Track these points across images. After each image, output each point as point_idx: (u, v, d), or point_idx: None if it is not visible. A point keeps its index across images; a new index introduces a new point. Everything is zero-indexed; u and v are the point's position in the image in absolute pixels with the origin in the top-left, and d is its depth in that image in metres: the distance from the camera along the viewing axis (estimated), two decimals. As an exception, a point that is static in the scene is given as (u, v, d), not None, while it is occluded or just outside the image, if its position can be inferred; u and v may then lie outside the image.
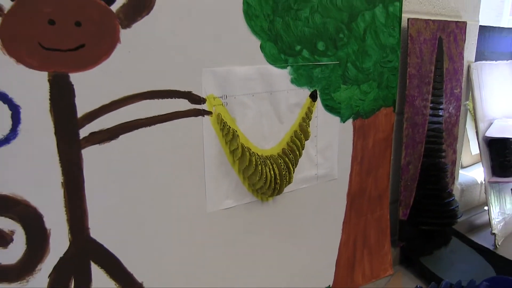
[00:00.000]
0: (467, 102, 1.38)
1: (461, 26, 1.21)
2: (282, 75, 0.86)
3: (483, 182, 1.40)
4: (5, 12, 0.58)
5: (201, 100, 0.77)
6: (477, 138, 1.34)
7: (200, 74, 0.75)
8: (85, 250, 0.70)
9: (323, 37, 0.91)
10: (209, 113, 0.78)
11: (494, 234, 1.34)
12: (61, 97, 0.64)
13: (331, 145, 0.99)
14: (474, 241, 1.33)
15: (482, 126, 1.35)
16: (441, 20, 1.15)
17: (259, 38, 0.81)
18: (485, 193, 1.34)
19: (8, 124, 0.61)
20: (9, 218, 0.64)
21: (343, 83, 0.97)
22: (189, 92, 0.75)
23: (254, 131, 0.85)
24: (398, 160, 1.18)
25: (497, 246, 1.35)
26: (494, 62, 1.43)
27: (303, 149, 0.91)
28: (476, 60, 1.36)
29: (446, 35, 1.17)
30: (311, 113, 0.92)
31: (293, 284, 1.00)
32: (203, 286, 0.85)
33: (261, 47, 0.82)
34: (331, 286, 1.07)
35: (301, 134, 0.90)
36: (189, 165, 0.78)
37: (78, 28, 0.63)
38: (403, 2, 1.04)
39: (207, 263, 0.84)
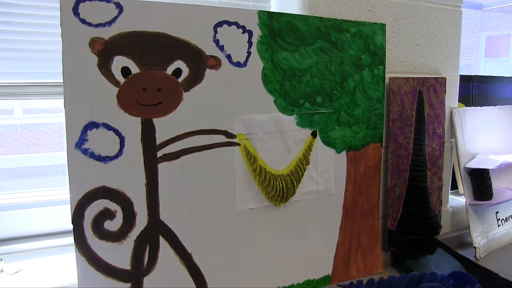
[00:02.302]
0: (452, 139, 1.72)
1: (440, 81, 1.58)
2: (290, 120, 1.27)
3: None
4: (121, 85, 1.03)
5: (233, 136, 1.19)
6: (459, 169, 1.67)
7: (232, 119, 1.18)
8: (156, 227, 1.12)
9: (321, 93, 1.31)
10: (238, 144, 1.20)
11: (475, 247, 1.65)
12: (147, 133, 1.08)
13: (329, 169, 1.37)
14: (457, 252, 1.64)
15: (464, 159, 1.68)
16: (420, 77, 1.53)
17: (273, 96, 1.23)
18: (466, 214, 1.66)
19: (117, 147, 1.06)
20: (115, 203, 1.07)
21: (338, 125, 1.36)
22: (225, 131, 1.18)
23: (269, 158, 1.25)
24: (386, 183, 1.54)
25: (478, 258, 1.64)
26: (479, 107, 1.77)
27: (305, 171, 1.31)
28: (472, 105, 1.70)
29: (426, 88, 1.53)
30: (312, 146, 1.32)
31: (299, 271, 1.37)
32: (231, 259, 1.25)
33: (275, 102, 1.24)
34: (329, 275, 1.44)
35: (304, 161, 1.30)
36: (225, 178, 1.20)
37: (159, 92, 1.07)
38: (386, 65, 1.43)
39: (235, 246, 1.24)
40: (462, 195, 1.93)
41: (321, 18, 1.28)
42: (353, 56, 1.36)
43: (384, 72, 1.42)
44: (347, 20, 1.33)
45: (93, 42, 0.99)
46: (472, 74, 1.96)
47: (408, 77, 1.49)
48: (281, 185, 1.26)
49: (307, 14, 1.31)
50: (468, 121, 1.71)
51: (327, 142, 1.35)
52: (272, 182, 1.24)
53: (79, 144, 1.01)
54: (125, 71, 1.03)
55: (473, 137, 1.72)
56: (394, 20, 1.49)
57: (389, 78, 1.47)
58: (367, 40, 1.38)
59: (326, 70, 1.31)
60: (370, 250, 1.50)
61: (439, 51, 1.60)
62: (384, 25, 1.40)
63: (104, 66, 1.01)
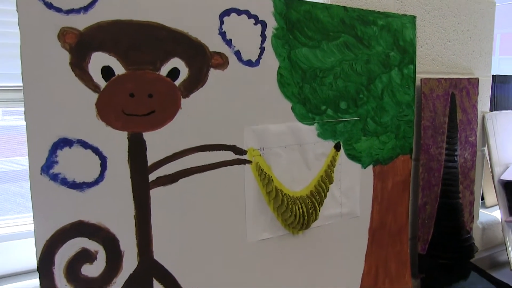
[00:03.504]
0: (484, 148, 1.51)
1: (473, 82, 1.37)
2: (309, 130, 1.04)
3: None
4: (101, 89, 0.79)
5: (243, 152, 0.96)
6: (493, 181, 1.47)
7: (242, 131, 0.95)
8: (149, 269, 0.89)
9: (345, 98, 1.09)
10: (249, 162, 0.97)
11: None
12: (136, 150, 0.84)
13: (353, 187, 1.15)
14: (493, 276, 1.44)
15: (498, 170, 1.48)
16: (453, 78, 1.31)
17: (291, 102, 1.01)
18: (502, 232, 1.45)
19: (97, 170, 0.82)
20: (95, 241, 0.84)
21: (364, 135, 1.14)
22: (234, 146, 0.94)
23: (286, 176, 1.03)
24: (417, 200, 1.32)
25: (516, 282, 1.44)
26: (510, 111, 1.56)
27: (328, 191, 1.08)
28: (494, 107, 1.50)
29: (459, 91, 1.32)
30: (335, 161, 1.10)
31: (320, 308, 1.15)
32: (242, 304, 1.02)
33: (292, 108, 1.01)
34: (354, 312, 1.22)
35: (326, 179, 1.08)
36: (233, 203, 0.97)
37: (150, 98, 0.84)
38: (416, 64, 1.22)
39: (246, 286, 1.01)
40: (489, 207, 1.72)
41: (345, 8, 1.06)
42: (381, 54, 1.14)
43: (414, 73, 1.21)
44: (374, 11, 1.12)
45: (64, 34, 0.75)
46: (493, 74, 1.76)
47: (440, 78, 1.28)
48: (301, 210, 1.03)
49: (330, 3, 1.09)
50: (501, 126, 1.51)
51: (352, 156, 1.13)
52: (290, 206, 1.01)
53: (47, 168, 0.78)
54: (107, 71, 0.79)
55: (507, 144, 1.52)
56: (425, 12, 1.28)
57: (421, 79, 1.26)
58: (396, 35, 1.16)
59: (351, 70, 1.09)
60: (398, 278, 1.29)
61: (472, 47, 1.40)
62: (414, 17, 1.19)
63: (79, 66, 0.77)
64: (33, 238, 0.78)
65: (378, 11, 1.13)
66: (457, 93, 1.32)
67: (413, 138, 1.24)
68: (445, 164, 1.32)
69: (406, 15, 1.17)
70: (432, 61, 1.32)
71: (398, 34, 1.17)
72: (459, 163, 1.35)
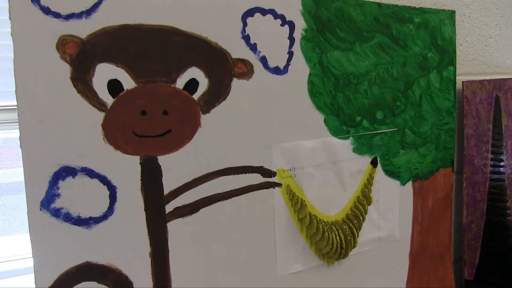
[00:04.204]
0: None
1: (516, 84, 1.24)
2: (344, 146, 0.92)
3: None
4: (108, 107, 0.67)
5: (272, 174, 0.83)
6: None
7: (270, 150, 0.82)
8: (169, 315, 0.76)
9: (381, 106, 0.96)
10: (279, 185, 0.84)
11: None
12: (151, 178, 0.72)
13: (392, 207, 1.02)
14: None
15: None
16: (497, 79, 1.18)
17: (323, 113, 0.88)
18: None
19: (106, 202, 0.70)
20: (105, 285, 0.71)
21: (402, 148, 1.02)
22: (261, 167, 0.82)
23: (320, 199, 0.90)
24: (459, 219, 1.19)
25: None
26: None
27: (366, 213, 0.95)
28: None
29: (503, 93, 1.19)
30: (373, 179, 0.97)
31: None
32: None
33: (325, 121, 0.88)
34: None
35: (364, 200, 0.95)
36: (261, 232, 0.84)
37: (165, 116, 0.71)
38: (456, 65, 1.09)
39: (278, 326, 0.89)
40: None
41: (379, 4, 0.94)
42: (418, 55, 1.02)
43: (454, 75, 1.08)
44: (409, 7, 0.99)
45: (63, 43, 0.63)
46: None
47: (483, 80, 1.15)
48: (338, 237, 0.90)
49: (361, -1, 0.96)
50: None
51: (390, 172, 1.00)
52: (326, 234, 0.88)
53: (47, 202, 0.65)
54: (114, 86, 0.67)
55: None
56: (464, 5, 1.15)
57: (462, 82, 1.13)
58: (434, 33, 1.04)
59: (387, 74, 0.96)
60: (441, 307, 1.15)
61: (514, 44, 1.27)
62: (453, 12, 1.07)
63: (81, 80, 0.65)
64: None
65: (414, 7, 1.00)
66: (502, 96, 1.19)
67: (454, 148, 1.12)
68: (491, 176, 1.19)
69: (444, 10, 1.05)
70: (473, 61, 1.19)
71: (436, 32, 1.04)
72: (506, 174, 1.22)
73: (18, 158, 0.69)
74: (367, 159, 0.96)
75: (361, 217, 0.94)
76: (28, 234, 0.64)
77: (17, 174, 1.03)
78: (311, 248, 0.90)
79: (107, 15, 0.65)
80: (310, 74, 0.85)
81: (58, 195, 0.66)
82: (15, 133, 0.63)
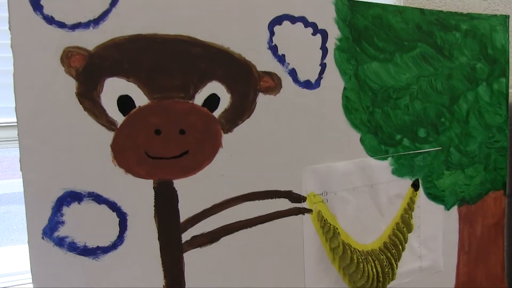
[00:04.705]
0: None
1: None
2: (382, 167, 0.83)
3: None
4: (118, 126, 0.60)
5: (302, 199, 0.75)
6: None
7: (300, 172, 0.74)
8: None
9: (424, 123, 0.87)
10: (309, 211, 0.76)
11: None
12: (165, 204, 0.65)
13: (435, 235, 0.92)
14: None
15: None
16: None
17: (359, 131, 0.79)
18: None
19: (116, 231, 0.63)
20: (115, 321, 0.64)
21: (446, 169, 0.91)
22: (290, 192, 0.74)
23: (355, 226, 0.81)
24: None
25: None
26: None
27: (406, 242, 0.85)
28: None
29: (558, 108, 1.07)
30: (414, 204, 0.87)
31: None
32: None
33: (361, 140, 0.80)
34: None
35: (403, 227, 0.85)
36: (289, 263, 0.76)
37: (182, 136, 0.64)
38: (509, 76, 0.98)
39: None
40: None
41: (421, 11, 0.85)
42: (465, 66, 0.91)
43: (507, 87, 0.97)
44: (456, 13, 0.90)
45: (69, 56, 0.57)
46: None
47: (538, 93, 1.03)
48: (374, 269, 0.80)
49: (402, 5, 0.87)
50: None
51: (433, 196, 0.90)
52: (361, 265, 0.79)
53: (50, 230, 0.59)
54: (125, 103, 0.60)
55: None
56: (516, 10, 1.04)
57: (515, 96, 1.02)
58: (483, 41, 0.93)
59: (430, 88, 0.87)
60: None
61: None
62: (506, 17, 0.96)
63: (89, 96, 0.58)
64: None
65: (461, 13, 0.90)
66: (556, 111, 1.07)
67: (506, 169, 1.00)
68: (545, 199, 1.07)
69: (495, 15, 0.94)
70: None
71: (486, 40, 0.94)
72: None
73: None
74: (407, 182, 0.87)
75: (400, 246, 0.84)
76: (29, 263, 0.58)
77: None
78: (344, 281, 0.81)
79: (117, 24, 0.59)
80: (344, 88, 0.77)
81: (62, 222, 0.59)
82: (16, 152, 0.57)
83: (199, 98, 0.64)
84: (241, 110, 0.68)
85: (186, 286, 0.67)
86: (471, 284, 0.99)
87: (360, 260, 0.79)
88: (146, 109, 0.61)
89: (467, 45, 0.92)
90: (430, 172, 0.89)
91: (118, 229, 0.63)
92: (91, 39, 0.58)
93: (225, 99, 0.66)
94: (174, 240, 0.66)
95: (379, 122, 0.81)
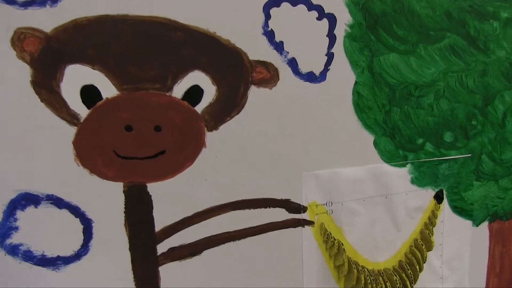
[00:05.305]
0: None
1: None
2: (400, 175, 0.72)
3: None
4: (81, 121, 0.52)
5: (302, 209, 0.65)
6: None
7: (300, 179, 0.64)
8: None
9: (451, 126, 0.75)
10: (310, 223, 0.66)
11: None
12: (138, 210, 0.57)
13: (461, 254, 0.81)
14: None
15: None
16: None
17: (372, 133, 0.69)
18: None
19: (79, 239, 0.55)
20: None
21: (476, 180, 0.80)
22: (287, 200, 0.64)
23: (365, 242, 0.71)
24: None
25: None
26: None
27: (424, 262, 0.74)
28: None
29: None
30: (436, 218, 0.76)
31: None
32: None
33: (375, 143, 0.69)
34: None
35: (422, 245, 0.74)
36: (285, 283, 0.66)
37: (157, 133, 0.55)
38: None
39: None
40: None
41: (452, -5, 0.73)
42: (503, 61, 0.79)
43: (552, 87, 0.84)
44: (494, -1, 0.77)
45: (21, 39, 0.49)
46: None
47: None
48: (385, 292, 0.70)
49: (429, -11, 0.76)
50: None
51: (460, 210, 0.79)
52: (369, 286, 0.68)
53: (1, 236, 0.52)
54: (90, 93, 0.52)
55: None
56: None
57: (562, 98, 0.89)
58: (526, 33, 0.81)
59: (460, 85, 0.75)
60: None
61: None
62: (554, 6, 0.83)
63: (46, 85, 0.50)
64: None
65: (501, -1, 0.78)
66: None
67: (548, 181, 0.87)
68: None
69: (541, 4, 0.81)
70: None
71: (529, 32, 0.81)
72: None
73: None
74: (429, 193, 0.75)
75: (417, 266, 0.74)
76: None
77: None
78: (351, 304, 0.71)
79: (80, 2, 0.50)
80: (356, 82, 0.66)
81: (16, 228, 0.52)
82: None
83: (179, 90, 0.56)
84: (229, 105, 0.59)
85: (162, 305, 0.59)
86: (501, 311, 0.87)
87: (369, 280, 0.69)
88: (114, 102, 0.53)
89: (507, 36, 0.79)
90: (457, 183, 0.78)
91: (82, 237, 0.55)
92: (48, 20, 0.49)
93: (210, 92, 0.57)
94: (148, 251, 0.58)
95: (397, 123, 0.70)
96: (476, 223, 0.82)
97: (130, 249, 0.57)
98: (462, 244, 0.80)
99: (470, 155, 0.78)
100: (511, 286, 0.87)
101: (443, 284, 0.80)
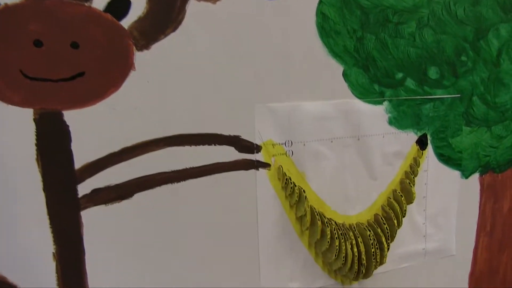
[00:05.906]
0: None
1: None
2: (375, 114, 0.62)
3: None
4: (-22, 31, 0.43)
5: (255, 148, 0.56)
6: None
7: (252, 112, 0.55)
8: None
9: (437, 60, 0.65)
10: (266, 165, 0.57)
11: None
12: (52, 142, 0.47)
13: (447, 209, 0.72)
14: None
15: None
16: None
17: (341, 63, 0.59)
18: None
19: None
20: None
21: (466, 125, 0.70)
22: (237, 137, 0.55)
23: (333, 191, 0.62)
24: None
25: None
26: None
27: (404, 216, 0.65)
28: None
29: None
30: (418, 167, 0.67)
31: None
32: None
33: (345, 74, 0.59)
34: None
35: (402, 196, 0.65)
36: (234, 236, 0.57)
37: (75, 50, 0.46)
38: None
39: None
40: None
41: None
42: (499, -11, 0.69)
43: (555, 22, 0.74)
44: None
45: None
46: None
47: None
48: (355, 248, 0.61)
49: None
50: None
51: (447, 158, 0.70)
52: (336, 242, 0.59)
53: None
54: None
55: None
56: None
57: None
58: (527, -43, 0.70)
59: (448, 14, 0.65)
60: None
61: None
62: None
63: None
64: None
65: None
66: None
67: (548, 130, 0.78)
68: None
69: None
70: None
71: (531, -44, 0.71)
72: None
73: None
74: (411, 137, 0.66)
75: (395, 221, 0.64)
76: None
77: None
78: (317, 261, 0.63)
79: None
80: (321, 1, 0.56)
81: None
82: None
83: (100, 0, 0.46)
84: (162, 21, 0.49)
85: (86, 255, 0.50)
86: (492, 273, 0.79)
87: (336, 235, 0.59)
88: (18, 10, 0.44)
89: (504, -40, 0.69)
90: (444, 127, 0.69)
91: (-16, 177, 0.46)
92: None
93: (139, 4, 0.48)
94: (66, 193, 0.49)
95: (371, 52, 0.60)
96: (465, 174, 0.73)
97: (44, 189, 0.48)
98: (448, 198, 0.72)
99: (459, 95, 0.69)
100: (502, 247, 0.78)
101: (426, 243, 0.71)
